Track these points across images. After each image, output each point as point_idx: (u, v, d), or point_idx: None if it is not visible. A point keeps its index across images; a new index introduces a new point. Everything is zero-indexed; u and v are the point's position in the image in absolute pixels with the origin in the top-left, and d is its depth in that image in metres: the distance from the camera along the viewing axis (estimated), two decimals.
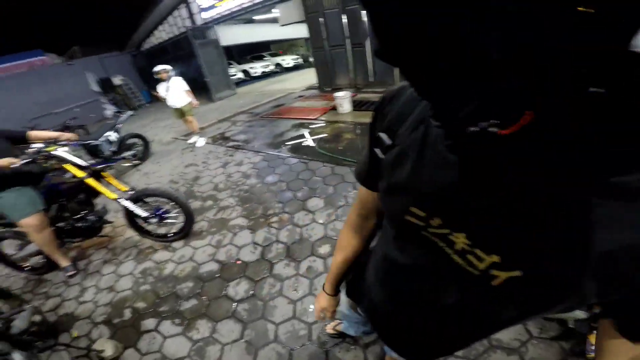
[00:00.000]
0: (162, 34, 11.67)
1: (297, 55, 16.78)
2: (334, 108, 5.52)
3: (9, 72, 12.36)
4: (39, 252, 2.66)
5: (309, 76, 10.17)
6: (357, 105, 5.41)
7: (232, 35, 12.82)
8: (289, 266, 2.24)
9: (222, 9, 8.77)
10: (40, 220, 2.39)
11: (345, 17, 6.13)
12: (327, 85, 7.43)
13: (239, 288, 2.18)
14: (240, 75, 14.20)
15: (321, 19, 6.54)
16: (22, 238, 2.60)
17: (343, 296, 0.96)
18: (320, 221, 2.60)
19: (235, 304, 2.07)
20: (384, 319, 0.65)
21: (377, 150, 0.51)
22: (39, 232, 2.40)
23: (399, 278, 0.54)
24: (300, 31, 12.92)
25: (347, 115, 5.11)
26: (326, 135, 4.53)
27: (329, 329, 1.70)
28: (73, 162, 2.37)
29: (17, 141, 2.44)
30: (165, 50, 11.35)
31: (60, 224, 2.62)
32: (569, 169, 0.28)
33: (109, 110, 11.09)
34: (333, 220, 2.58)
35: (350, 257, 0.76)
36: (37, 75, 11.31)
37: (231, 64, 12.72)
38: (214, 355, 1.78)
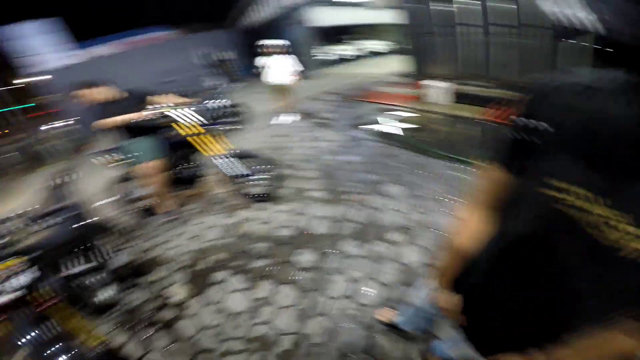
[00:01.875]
0: (263, 13, 12.42)
1: (388, 40, 16.07)
2: (426, 97, 5.13)
3: (140, 44, 14.89)
4: (148, 196, 3.16)
5: (400, 62, 9.65)
6: (457, 97, 4.90)
7: (325, 17, 12.95)
8: (356, 246, 2.22)
9: None
10: (158, 166, 2.83)
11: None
12: (423, 73, 6.93)
13: (305, 257, 2.24)
14: (330, 56, 14.33)
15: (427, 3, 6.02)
16: (139, 181, 3.11)
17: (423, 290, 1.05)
18: (395, 208, 2.49)
19: (298, 271, 2.14)
20: (492, 303, 0.66)
21: (532, 137, 0.52)
22: (155, 176, 2.84)
23: (521, 256, 0.57)
24: (393, 16, 12.31)
25: (443, 106, 4.69)
26: (415, 124, 4.25)
27: (381, 316, 1.64)
28: (187, 120, 2.71)
29: (145, 100, 2.90)
30: (264, 29, 12.07)
31: (170, 173, 3.05)
32: None
33: (215, 81, 12.59)
34: (409, 209, 2.44)
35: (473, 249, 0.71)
36: (161, 47, 13.39)
37: (322, 45, 12.87)
38: (266, 315, 1.87)
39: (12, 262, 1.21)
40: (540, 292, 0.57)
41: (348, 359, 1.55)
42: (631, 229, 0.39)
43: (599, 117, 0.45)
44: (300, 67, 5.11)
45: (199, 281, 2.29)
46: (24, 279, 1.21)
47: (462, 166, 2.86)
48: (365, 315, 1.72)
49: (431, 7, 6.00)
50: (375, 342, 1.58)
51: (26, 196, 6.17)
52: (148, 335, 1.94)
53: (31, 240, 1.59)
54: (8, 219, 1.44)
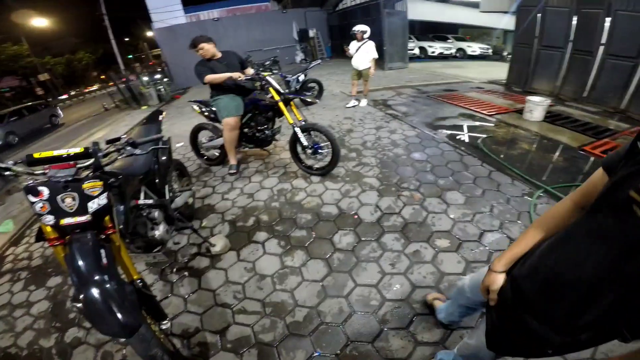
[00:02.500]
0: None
1: (487, 45, 14.60)
2: (518, 111, 4.63)
3: (242, 12, 15.97)
4: (219, 147, 3.48)
5: (494, 69, 8.79)
6: (552, 117, 4.33)
7: (421, 11, 12.26)
8: (398, 241, 2.18)
9: None
10: (236, 122, 3.12)
11: (576, 18, 4.89)
12: (519, 85, 6.28)
13: (344, 239, 2.26)
14: (417, 51, 13.65)
15: (539, 15, 5.40)
16: (216, 133, 3.46)
17: (469, 280, 1.14)
18: (452, 216, 2.36)
19: (334, 250, 2.17)
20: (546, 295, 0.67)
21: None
22: (231, 130, 3.14)
23: (588, 251, 0.60)
24: (498, 21, 11.05)
25: (533, 124, 4.18)
26: (497, 136, 3.90)
27: (430, 297, 1.68)
28: (275, 87, 2.93)
29: (242, 65, 3.18)
30: (355, 14, 11.93)
31: (245, 130, 3.34)
32: None
33: (300, 56, 13.06)
34: (466, 221, 2.30)
35: (549, 232, 0.74)
36: (259, 17, 14.24)
37: (410, 39, 12.30)
38: (290, 284, 1.94)
39: (90, 184, 1.20)
40: (601, 294, 0.58)
41: (352, 345, 1.55)
42: None
43: None
44: (375, 55, 5.03)
45: (242, 237, 2.43)
46: (93, 204, 1.20)
47: (533, 190, 2.59)
48: (384, 310, 1.70)
49: (546, 17, 5.35)
50: (384, 337, 1.57)
51: (126, 128, 7.30)
52: (176, 279, 2.09)
53: (114, 166, 1.61)
54: (105, 142, 1.45)
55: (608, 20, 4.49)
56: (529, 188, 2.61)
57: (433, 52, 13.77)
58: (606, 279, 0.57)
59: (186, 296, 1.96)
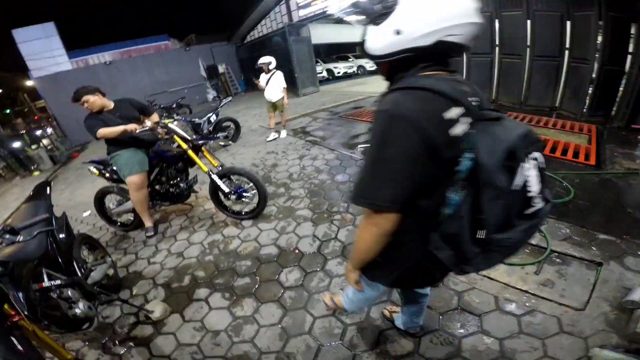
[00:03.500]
0: (262, 29, 12.69)
1: None
2: None
3: (139, 52, 15.00)
4: (131, 210, 3.13)
5: None
6: None
7: (322, 34, 13.25)
8: (342, 265, 2.23)
9: (316, 7, 9.12)
10: (142, 179, 2.84)
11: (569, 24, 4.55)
12: None
13: (290, 275, 2.24)
14: (325, 74, 14.59)
15: (496, 20, 5.32)
16: (123, 195, 3.11)
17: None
18: None
19: (283, 290, 2.13)
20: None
21: None
22: (139, 190, 2.84)
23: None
24: None
25: None
26: None
27: (387, 311, 1.77)
28: (181, 134, 2.75)
29: (142, 112, 2.94)
30: (264, 44, 12.28)
31: (156, 187, 3.08)
32: None
33: (211, 94, 12.66)
34: None
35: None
36: (160, 57, 13.48)
37: (317, 62, 13.15)
38: (248, 334, 1.86)
39: None
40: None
41: None
42: None
43: None
44: (284, 85, 5.19)
45: (181, 298, 2.26)
46: None
47: None
48: (350, 334, 1.72)
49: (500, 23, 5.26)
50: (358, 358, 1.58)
51: (18, 202, 6.03)
52: (124, 351, 1.90)
53: (3, 254, 1.54)
54: None
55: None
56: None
57: (339, 73, 14.90)
58: None
59: None
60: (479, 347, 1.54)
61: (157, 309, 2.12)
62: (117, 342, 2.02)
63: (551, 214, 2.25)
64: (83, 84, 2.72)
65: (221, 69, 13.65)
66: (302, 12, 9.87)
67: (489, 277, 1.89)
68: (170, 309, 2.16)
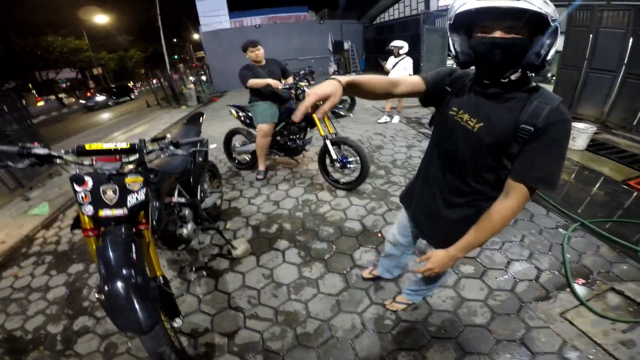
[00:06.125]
0: (395, 12, 12.25)
1: None
2: None
3: (282, 20, 16.52)
4: (251, 152, 3.60)
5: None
6: (595, 146, 4.09)
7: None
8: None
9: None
10: (270, 128, 3.23)
11: (632, 40, 4.56)
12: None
13: (365, 256, 2.24)
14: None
15: (591, 35, 5.11)
16: (250, 138, 3.59)
17: (391, 235, 1.57)
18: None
19: (353, 266, 2.15)
20: (420, 206, 1.25)
21: (447, 87, 1.03)
22: (265, 137, 3.25)
23: (438, 149, 1.11)
24: None
25: (575, 152, 3.97)
26: None
27: (366, 274, 2.00)
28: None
29: (283, 74, 3.31)
30: (393, 28, 11.91)
31: (278, 138, 3.46)
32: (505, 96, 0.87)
33: (332, 67, 13.22)
34: (493, 249, 2.22)
35: (371, 85, 0.94)
36: (297, 26, 14.67)
37: (449, 55, 12.04)
38: (305, 295, 1.94)
39: (132, 179, 1.23)
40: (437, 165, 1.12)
41: None
42: (477, 120, 0.92)
43: None
44: (411, 71, 4.96)
45: (263, 243, 2.46)
46: (132, 198, 1.22)
47: (569, 222, 2.47)
48: (397, 329, 1.69)
49: (599, 38, 5.06)
50: (393, 357, 1.55)
51: (165, 126, 7.75)
52: (194, 278, 2.13)
53: (154, 163, 1.64)
54: (151, 139, 1.48)
55: None
56: (565, 221, 2.49)
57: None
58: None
59: (201, 296, 1.99)
60: None
61: (240, 247, 2.28)
62: (193, 268, 2.19)
63: None
64: (235, 42, 3.17)
65: (346, 45, 13.97)
66: (442, 2, 9.08)
67: (570, 321, 1.64)
68: (251, 250, 2.32)
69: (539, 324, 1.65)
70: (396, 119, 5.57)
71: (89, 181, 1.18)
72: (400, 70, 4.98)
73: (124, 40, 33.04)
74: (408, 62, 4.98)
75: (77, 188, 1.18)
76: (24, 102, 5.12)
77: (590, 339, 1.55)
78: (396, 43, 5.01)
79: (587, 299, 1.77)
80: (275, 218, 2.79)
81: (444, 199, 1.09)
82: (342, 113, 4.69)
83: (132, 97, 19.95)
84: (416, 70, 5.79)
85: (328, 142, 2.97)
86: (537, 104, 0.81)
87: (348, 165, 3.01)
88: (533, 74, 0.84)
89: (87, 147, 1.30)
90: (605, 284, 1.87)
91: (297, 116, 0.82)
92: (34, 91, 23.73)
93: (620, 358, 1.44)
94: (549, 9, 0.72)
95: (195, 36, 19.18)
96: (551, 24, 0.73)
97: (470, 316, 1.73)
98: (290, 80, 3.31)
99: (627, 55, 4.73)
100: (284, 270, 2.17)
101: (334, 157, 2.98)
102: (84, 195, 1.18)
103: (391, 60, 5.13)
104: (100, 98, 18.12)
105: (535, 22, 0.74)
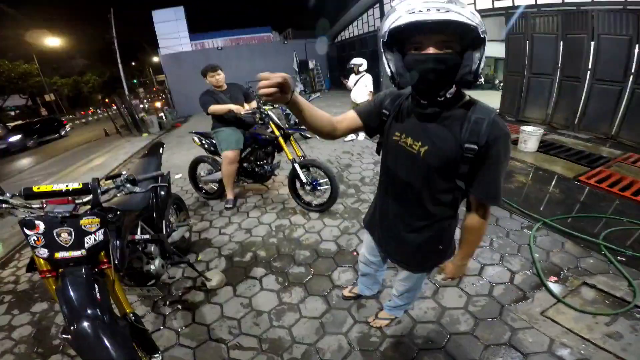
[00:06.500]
0: (354, 30, 12.80)
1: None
2: (513, 142, 4.72)
3: (244, 42, 16.60)
4: (218, 180, 3.47)
5: (487, 99, 8.97)
6: (545, 147, 4.42)
7: None
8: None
9: None
10: (236, 155, 3.15)
11: (562, 44, 5.09)
12: (511, 114, 6.42)
13: (343, 275, 2.23)
14: None
15: (527, 41, 5.62)
16: (215, 166, 3.47)
17: (361, 256, 1.60)
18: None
19: (333, 287, 2.14)
20: (384, 232, 1.25)
21: (384, 111, 1.05)
22: (230, 164, 3.15)
23: (389, 177, 1.12)
24: (491, 50, 11.54)
25: (528, 154, 4.26)
26: None
27: (346, 292, 2.00)
28: (276, 122, 2.99)
29: (245, 98, 3.26)
30: (353, 45, 12.43)
31: (245, 164, 3.37)
32: (444, 114, 0.90)
33: (299, 87, 13.38)
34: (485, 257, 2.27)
35: (315, 119, 0.96)
36: (261, 48, 14.75)
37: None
38: (288, 321, 1.90)
39: (88, 220, 1.18)
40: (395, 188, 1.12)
41: None
42: (421, 144, 0.94)
43: None
44: (372, 88, 5.08)
45: (238, 272, 2.38)
46: (89, 239, 1.17)
47: (532, 223, 2.61)
48: (384, 346, 1.68)
49: (535, 44, 5.55)
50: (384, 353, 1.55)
51: (126, 156, 7.34)
52: (169, 312, 2.04)
53: (112, 201, 1.59)
54: (105, 177, 1.41)
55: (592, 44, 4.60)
56: (528, 221, 2.64)
57: None
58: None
59: (179, 329, 1.91)
60: None
61: (215, 278, 2.21)
62: (167, 302, 2.12)
63: None
64: (197, 64, 3.08)
65: (311, 64, 14.29)
66: None
67: (552, 320, 1.70)
68: (226, 280, 2.26)
69: (522, 325, 1.69)
70: (361, 136, 5.64)
71: (40, 225, 1.12)
72: (361, 87, 5.09)
73: (79, 64, 31.54)
74: (368, 79, 5.09)
75: (27, 232, 1.12)
76: None
77: (577, 334, 1.60)
78: (355, 61, 5.13)
79: (562, 295, 1.85)
80: (249, 246, 2.72)
81: (405, 224, 1.11)
82: (308, 135, 4.69)
83: (63, 133, 15.47)
84: (376, 86, 5.98)
85: (297, 166, 2.94)
86: (475, 119, 0.84)
87: (318, 187, 2.99)
88: (467, 89, 0.87)
89: (35, 189, 1.23)
90: (577, 279, 1.97)
91: (264, 90, 0.78)
92: None
93: (612, 350, 1.49)
94: (476, 20, 0.73)
95: (155, 59, 18.65)
96: (481, 35, 0.74)
97: (454, 324, 1.75)
98: (253, 104, 3.25)
99: (560, 58, 5.22)
100: (262, 297, 2.12)
101: (304, 180, 2.95)
102: (36, 239, 1.12)
103: (352, 78, 5.24)
104: (14, 138, 13.05)
105: (465, 35, 0.75)
